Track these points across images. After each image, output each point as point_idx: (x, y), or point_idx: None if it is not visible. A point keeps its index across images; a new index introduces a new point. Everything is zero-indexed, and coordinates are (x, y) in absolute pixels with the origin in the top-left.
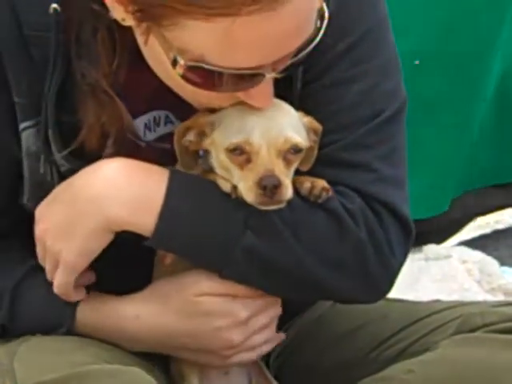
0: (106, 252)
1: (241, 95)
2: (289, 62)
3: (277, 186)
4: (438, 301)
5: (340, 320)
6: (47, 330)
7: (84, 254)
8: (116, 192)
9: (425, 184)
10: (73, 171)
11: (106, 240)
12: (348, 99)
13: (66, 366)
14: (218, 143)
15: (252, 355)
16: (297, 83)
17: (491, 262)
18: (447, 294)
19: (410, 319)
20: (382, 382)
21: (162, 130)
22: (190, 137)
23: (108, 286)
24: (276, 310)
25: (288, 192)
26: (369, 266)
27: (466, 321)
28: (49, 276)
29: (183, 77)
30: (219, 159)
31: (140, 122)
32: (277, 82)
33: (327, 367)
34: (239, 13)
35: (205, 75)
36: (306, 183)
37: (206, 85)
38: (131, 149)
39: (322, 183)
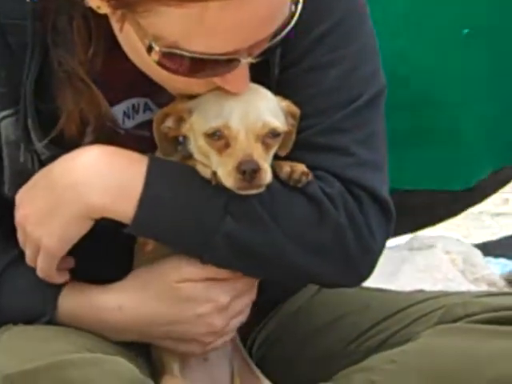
0: (86, 241)
1: (217, 80)
2: (265, 47)
3: (256, 170)
4: (421, 291)
5: (321, 311)
6: (29, 319)
7: (64, 240)
8: (95, 179)
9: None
10: (53, 158)
11: (85, 227)
12: (326, 84)
13: (48, 355)
14: (197, 128)
15: (226, 339)
16: (274, 68)
17: (475, 253)
18: (431, 284)
19: (392, 309)
20: (362, 373)
21: (141, 117)
22: (169, 123)
23: (88, 275)
24: (252, 295)
25: (267, 176)
26: (349, 250)
27: (448, 311)
28: (29, 261)
29: (158, 63)
30: (198, 144)
31: (119, 110)
32: (254, 68)
33: (308, 358)
34: None
35: (180, 61)
36: (286, 168)
37: (182, 71)
38: (110, 136)
39: (301, 167)
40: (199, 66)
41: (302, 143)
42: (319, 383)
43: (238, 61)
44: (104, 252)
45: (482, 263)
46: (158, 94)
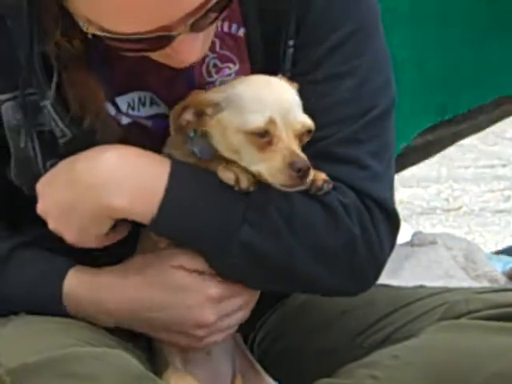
0: None
1: (167, 50)
2: (203, 19)
3: (309, 167)
4: (423, 286)
5: (324, 306)
6: (33, 300)
7: (83, 237)
8: (117, 181)
9: None
10: (71, 143)
11: (105, 226)
12: (340, 94)
13: (50, 348)
14: (230, 125)
15: (223, 336)
16: (285, 74)
17: (477, 249)
18: (433, 280)
19: (396, 305)
20: (366, 368)
21: (148, 110)
22: (188, 116)
23: (92, 259)
24: (252, 294)
25: (312, 173)
26: (359, 261)
27: (451, 307)
28: None
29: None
30: (228, 141)
31: (122, 101)
32: (266, 73)
33: (311, 353)
34: None
35: (112, 41)
36: None
37: (118, 48)
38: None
39: (322, 175)
40: (131, 44)
41: (317, 153)
42: (322, 378)
43: (170, 37)
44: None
45: (483, 260)
46: (162, 89)
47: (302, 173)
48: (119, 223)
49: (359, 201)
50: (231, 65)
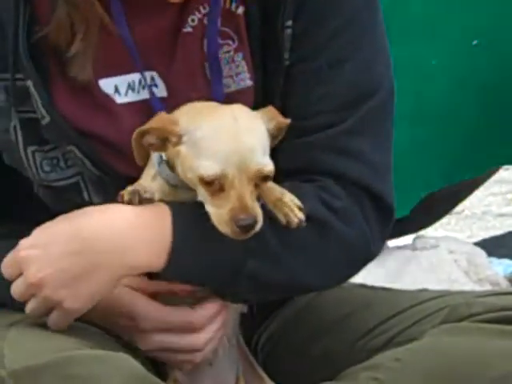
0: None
1: None
2: None
3: (254, 223)
4: (425, 290)
5: (325, 309)
6: None
7: (89, 302)
8: (133, 241)
9: None
10: (52, 125)
11: (115, 287)
12: (341, 80)
13: (53, 351)
14: (187, 162)
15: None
16: (284, 52)
17: (479, 253)
18: (435, 283)
19: (397, 309)
20: (368, 371)
21: (146, 94)
22: (151, 139)
23: None
24: (200, 343)
25: (260, 225)
26: (354, 259)
27: (453, 311)
28: (32, 313)
29: None
30: (185, 175)
31: (123, 81)
32: (266, 53)
33: (313, 356)
34: None
35: None
36: (280, 215)
37: None
38: (105, 106)
39: (296, 212)
40: None
41: (319, 143)
42: (325, 381)
43: None
44: None
45: (485, 263)
46: (167, 69)
47: (245, 229)
48: None
49: (352, 198)
50: (230, 42)
